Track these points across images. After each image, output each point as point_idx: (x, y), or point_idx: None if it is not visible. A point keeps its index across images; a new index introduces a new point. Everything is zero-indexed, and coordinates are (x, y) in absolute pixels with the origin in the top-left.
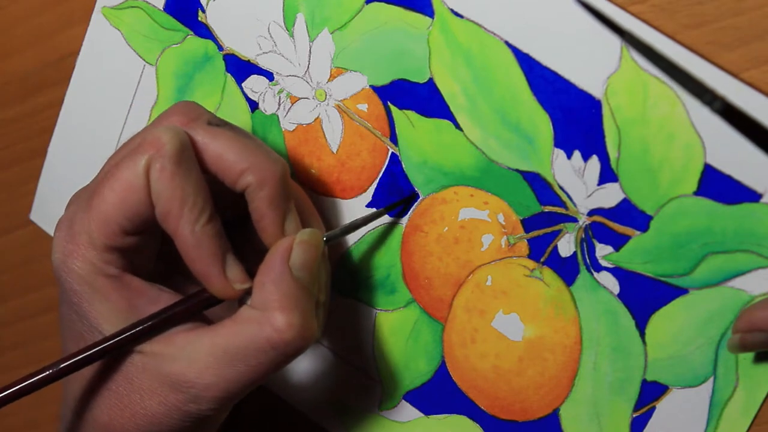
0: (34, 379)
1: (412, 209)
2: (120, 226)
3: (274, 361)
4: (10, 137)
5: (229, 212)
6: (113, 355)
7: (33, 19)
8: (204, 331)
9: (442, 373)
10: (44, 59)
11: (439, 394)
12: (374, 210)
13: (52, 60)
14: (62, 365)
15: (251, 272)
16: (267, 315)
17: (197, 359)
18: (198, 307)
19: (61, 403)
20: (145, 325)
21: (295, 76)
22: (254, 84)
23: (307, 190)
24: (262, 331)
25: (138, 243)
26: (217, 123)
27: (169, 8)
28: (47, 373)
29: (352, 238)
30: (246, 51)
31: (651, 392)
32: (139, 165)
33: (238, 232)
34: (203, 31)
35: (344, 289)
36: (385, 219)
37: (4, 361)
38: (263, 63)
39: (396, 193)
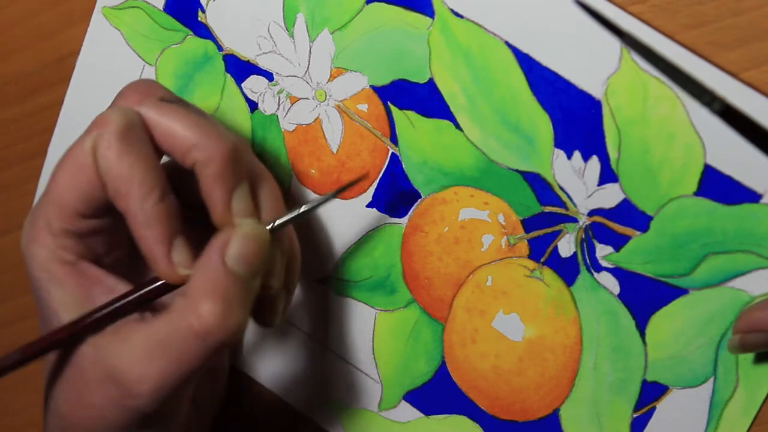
0: None
1: (412, 209)
2: (74, 209)
3: (200, 350)
4: (10, 137)
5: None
6: (64, 346)
7: (33, 19)
8: (142, 322)
9: (442, 373)
10: (44, 59)
11: (439, 394)
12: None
13: (52, 60)
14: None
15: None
16: (192, 302)
17: (134, 350)
18: (148, 296)
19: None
20: (93, 318)
21: (294, 76)
22: (254, 84)
23: (307, 190)
24: (185, 318)
25: (96, 227)
26: (170, 99)
27: (169, 8)
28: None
29: (351, 238)
30: (246, 51)
31: (651, 392)
32: (87, 144)
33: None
34: (203, 32)
35: (344, 289)
36: (387, 220)
37: None
38: (263, 63)
39: (396, 193)
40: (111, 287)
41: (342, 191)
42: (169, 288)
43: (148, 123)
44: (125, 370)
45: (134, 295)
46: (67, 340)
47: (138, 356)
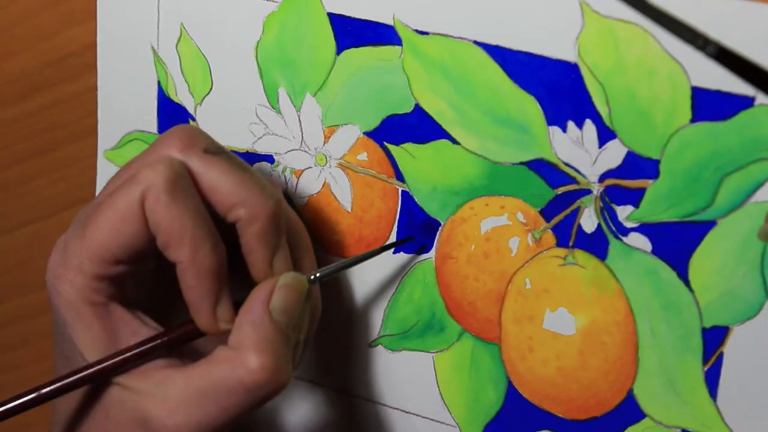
0: (11, 405)
1: (436, 239)
2: (113, 256)
3: (245, 403)
4: (10, 137)
5: (229, 237)
6: (89, 384)
7: (33, 19)
8: (180, 369)
9: (511, 394)
10: (44, 59)
11: (516, 416)
12: (372, 249)
13: (52, 60)
14: (31, 396)
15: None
16: (241, 356)
17: (170, 397)
18: (178, 341)
19: (51, 419)
20: (119, 358)
21: (292, 150)
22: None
23: (333, 257)
24: (235, 371)
25: (129, 271)
26: (213, 150)
27: (162, 129)
28: (22, 400)
29: (387, 293)
30: (242, 143)
31: (714, 339)
32: (134, 196)
33: (235, 256)
34: None
35: (395, 343)
36: (416, 259)
37: (4, 360)
38: (261, 148)
39: (416, 231)
40: (136, 330)
41: (385, 250)
42: (200, 334)
43: (193, 174)
44: (161, 418)
45: (165, 339)
46: (94, 379)
47: (176, 404)
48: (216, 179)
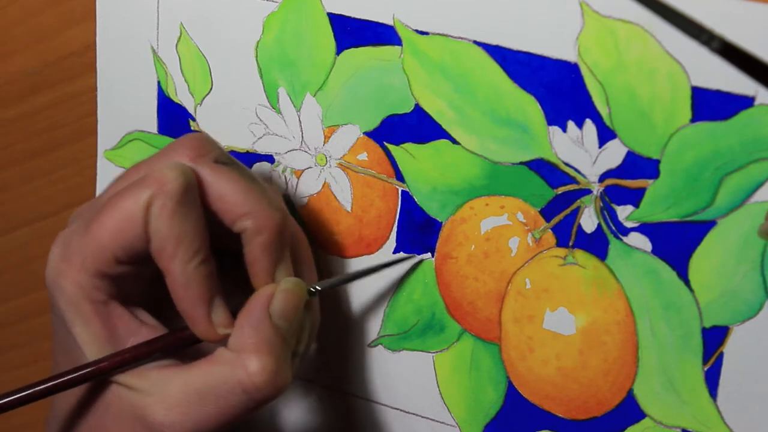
0: (13, 398)
1: (436, 240)
2: (114, 255)
3: (244, 404)
4: (10, 137)
5: (232, 245)
6: (88, 382)
7: (33, 19)
8: (178, 368)
9: (511, 394)
10: (44, 59)
11: (516, 416)
12: (374, 264)
13: (52, 60)
14: (34, 390)
15: (243, 305)
16: (242, 357)
17: (168, 396)
18: (178, 345)
19: (48, 416)
20: (117, 359)
21: (293, 150)
22: (258, 172)
23: (335, 258)
24: (234, 373)
25: (130, 272)
26: (224, 161)
27: (162, 129)
28: (21, 395)
29: (387, 293)
30: (242, 142)
31: (714, 339)
32: (141, 199)
33: (237, 264)
34: None
35: (396, 343)
36: (416, 259)
37: (4, 361)
38: (261, 148)
39: (416, 230)
40: (135, 329)
41: (386, 266)
42: (200, 339)
43: (202, 183)
44: (158, 415)
45: (162, 342)
46: (92, 378)
47: (173, 403)
48: (225, 189)
